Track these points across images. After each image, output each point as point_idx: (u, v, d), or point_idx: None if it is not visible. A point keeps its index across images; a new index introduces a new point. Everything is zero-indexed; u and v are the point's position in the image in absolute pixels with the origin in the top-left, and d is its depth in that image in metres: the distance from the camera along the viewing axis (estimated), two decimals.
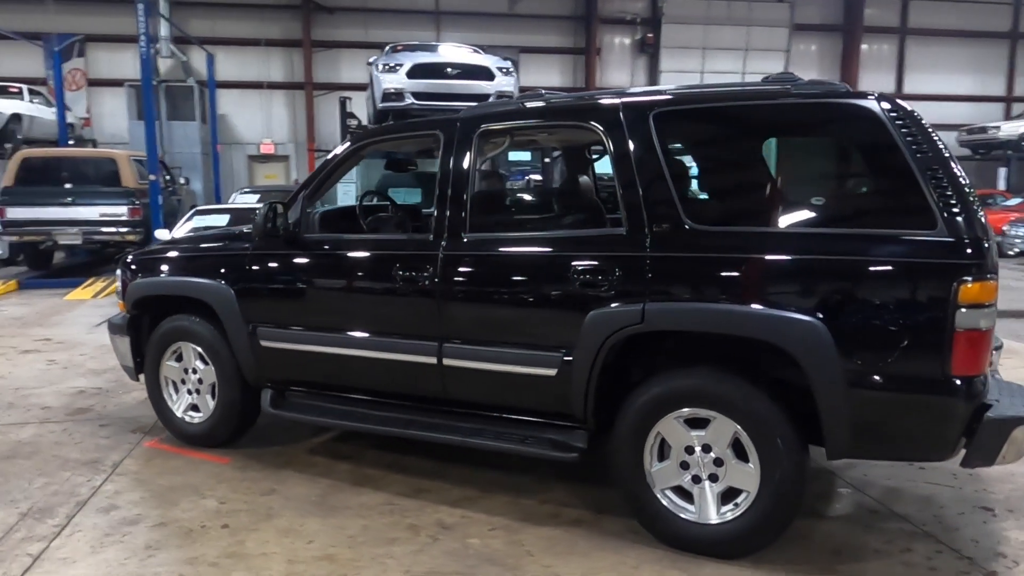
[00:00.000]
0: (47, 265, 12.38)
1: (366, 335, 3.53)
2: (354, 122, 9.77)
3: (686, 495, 2.97)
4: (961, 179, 2.57)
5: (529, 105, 3.40)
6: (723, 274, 2.79)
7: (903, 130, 2.60)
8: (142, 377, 4.36)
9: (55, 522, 3.30)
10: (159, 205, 11.17)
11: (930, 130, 2.66)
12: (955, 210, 2.51)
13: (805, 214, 2.83)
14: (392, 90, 8.80)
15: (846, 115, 2.74)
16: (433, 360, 3.35)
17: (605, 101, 3.14)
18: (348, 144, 3.75)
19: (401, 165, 4.32)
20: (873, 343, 2.58)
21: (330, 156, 3.79)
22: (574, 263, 3.02)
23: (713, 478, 2.90)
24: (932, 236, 2.52)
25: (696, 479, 2.93)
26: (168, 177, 13.84)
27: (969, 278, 2.47)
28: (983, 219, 2.56)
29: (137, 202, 11.28)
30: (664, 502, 2.98)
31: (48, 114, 15.69)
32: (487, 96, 8.68)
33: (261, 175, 21.08)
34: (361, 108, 12.31)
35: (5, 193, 11.16)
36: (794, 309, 2.65)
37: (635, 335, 2.94)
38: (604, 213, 3.44)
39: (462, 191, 3.33)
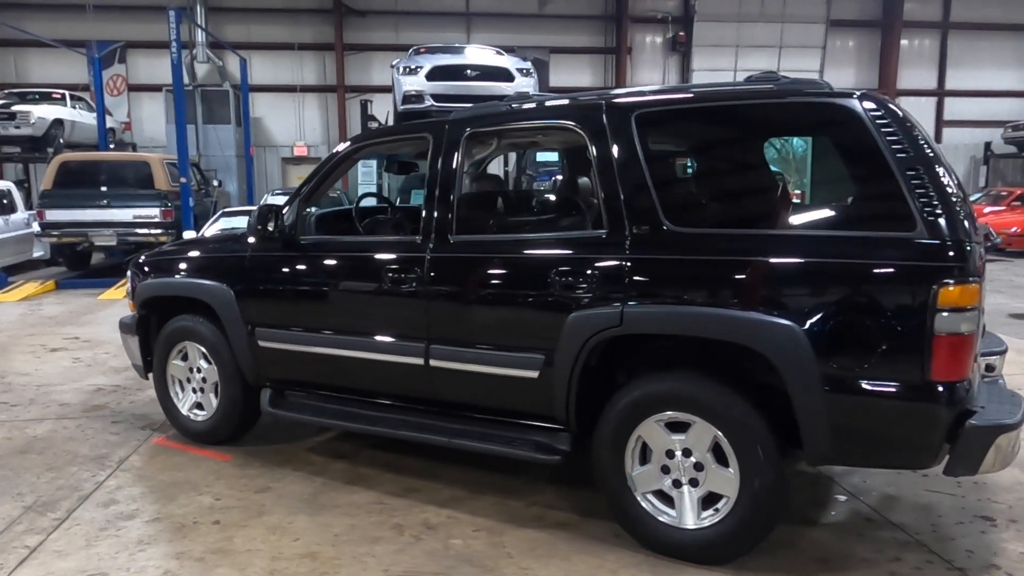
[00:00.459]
0: (85, 265, 12.76)
1: (357, 336, 3.57)
2: (374, 124, 9.87)
3: (667, 499, 2.94)
4: (945, 180, 2.50)
5: (516, 107, 3.40)
6: (700, 277, 2.76)
7: (885, 130, 2.54)
8: (152, 376, 4.48)
9: (56, 515, 3.40)
10: (190, 207, 11.43)
11: (916, 131, 2.60)
12: (936, 212, 2.44)
13: (783, 216, 2.78)
14: (412, 92, 8.87)
15: (827, 114, 2.69)
16: (421, 361, 3.37)
17: (589, 102, 3.13)
18: (342, 148, 3.80)
19: (402, 167, 4.36)
20: (851, 347, 2.53)
21: (325, 159, 3.84)
22: (556, 265, 3.02)
23: (693, 483, 2.87)
24: (911, 238, 2.46)
25: (677, 483, 2.90)
26: (201, 179, 14.17)
27: (949, 281, 2.41)
28: (967, 221, 2.49)
29: (169, 204, 11.54)
30: (645, 506, 2.96)
31: (89, 119, 16.16)
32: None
33: (294, 177, 21.39)
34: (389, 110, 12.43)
35: (44, 196, 11.53)
36: (771, 312, 2.60)
37: (617, 338, 2.93)
38: (587, 215, 3.43)
39: (449, 193, 3.35)
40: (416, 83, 8.94)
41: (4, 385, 5.67)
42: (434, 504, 3.47)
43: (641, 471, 2.96)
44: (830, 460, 2.67)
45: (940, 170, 2.53)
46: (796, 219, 2.75)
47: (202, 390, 4.26)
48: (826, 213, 2.73)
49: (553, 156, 12.66)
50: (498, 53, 10.74)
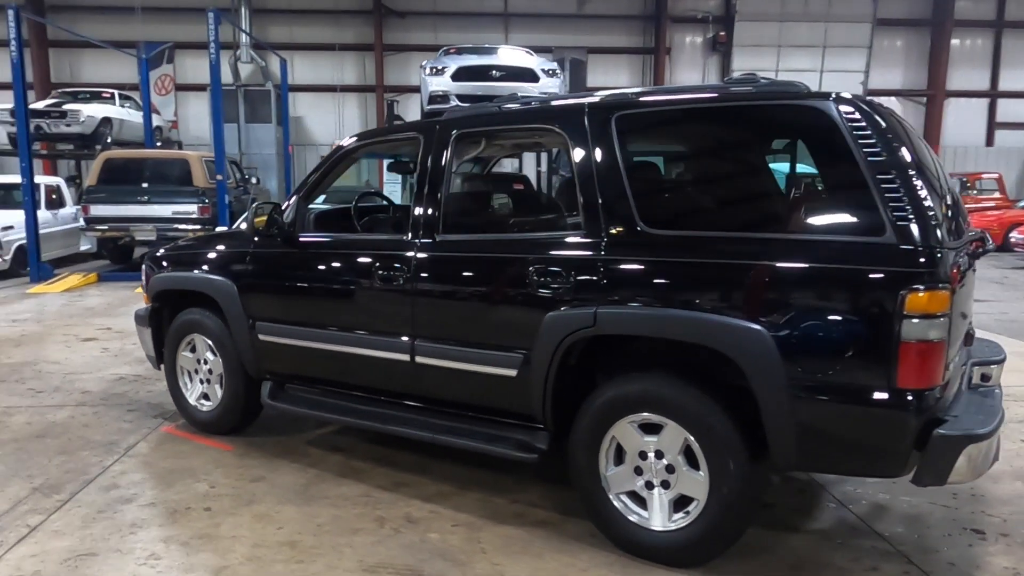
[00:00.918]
0: (127, 259, 13.20)
1: (349, 332, 3.65)
2: (400, 123, 10.01)
3: (640, 500, 2.95)
4: (920, 185, 2.45)
5: (504, 108, 3.44)
6: (672, 279, 2.76)
7: (859, 133, 2.50)
8: (163, 366, 4.64)
9: (60, 497, 3.56)
10: (226, 203, 11.74)
11: (897, 135, 2.55)
12: (906, 217, 2.40)
13: (754, 218, 2.76)
14: (438, 93, 8.98)
15: (800, 116, 2.66)
16: (407, 357, 3.44)
17: (571, 104, 3.15)
18: (341, 146, 3.89)
19: (403, 167, 4.44)
20: (818, 352, 2.50)
21: (325, 158, 3.94)
22: (535, 265, 3.05)
23: (665, 485, 2.87)
24: (879, 243, 2.42)
25: (649, 485, 2.91)
26: (240, 176, 14.53)
27: (919, 287, 2.36)
28: (942, 227, 2.44)
29: (207, 200, 11.87)
30: (618, 506, 2.97)
31: (137, 118, 16.71)
32: None
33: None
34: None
35: (88, 192, 11.96)
36: (739, 315, 2.59)
37: (594, 338, 2.95)
38: (569, 216, 3.45)
39: (437, 192, 3.40)
40: (442, 83, 9.03)
41: (34, 372, 5.93)
42: (419, 499, 3.53)
43: (615, 472, 2.97)
44: (798, 466, 2.65)
45: (917, 175, 2.48)
46: (767, 222, 2.72)
47: (208, 381, 4.40)
48: (797, 217, 2.70)
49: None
50: (528, 53, 10.77)
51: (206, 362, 4.37)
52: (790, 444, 2.57)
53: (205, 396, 4.43)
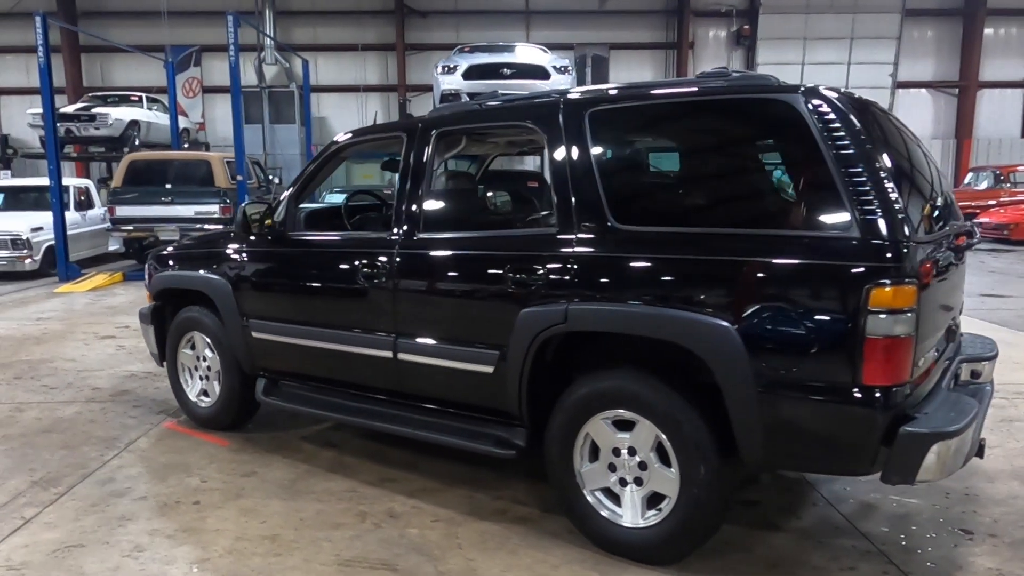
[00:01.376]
0: None
1: (335, 329, 3.70)
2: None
3: (614, 497, 2.94)
4: (888, 180, 2.40)
5: (485, 106, 3.45)
6: (641, 275, 2.75)
7: (827, 127, 2.46)
8: (166, 363, 4.74)
9: (57, 490, 3.66)
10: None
11: (868, 129, 2.51)
12: (872, 211, 2.36)
13: (723, 214, 2.73)
14: (449, 91, 9.01)
15: (768, 111, 2.63)
16: (389, 354, 3.47)
17: (547, 101, 3.15)
18: (328, 146, 3.93)
19: (394, 165, 4.45)
20: (784, 348, 2.47)
21: (314, 157, 3.98)
22: (509, 262, 3.05)
23: (638, 482, 2.86)
24: (845, 237, 2.38)
25: (623, 482, 2.90)
26: (264, 176, 14.74)
27: (885, 282, 2.32)
28: (909, 222, 2.39)
29: (228, 200, 12.08)
30: (593, 503, 2.97)
31: (165, 120, 17.07)
32: None
33: (359, 175, 21.95)
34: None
35: (114, 193, 12.24)
36: (705, 311, 2.57)
37: (569, 335, 2.95)
38: (542, 213, 3.45)
39: (418, 191, 3.43)
40: (453, 82, 9.08)
41: (50, 369, 6.10)
42: (404, 494, 3.57)
43: (590, 468, 2.97)
44: (766, 463, 2.62)
45: (887, 169, 2.44)
46: (735, 218, 2.69)
47: (207, 378, 4.48)
48: (763, 211, 2.67)
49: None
50: (542, 51, 10.75)
51: (205, 359, 4.46)
52: (757, 441, 2.55)
53: (204, 392, 4.52)
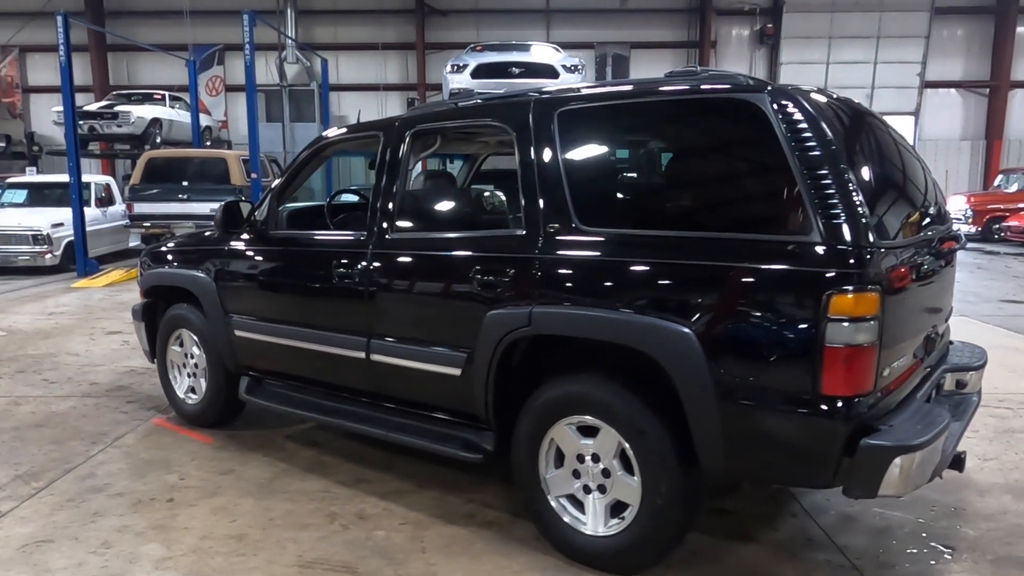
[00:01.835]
0: None
1: (312, 328, 3.69)
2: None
3: (579, 504, 2.89)
4: (852, 183, 2.31)
5: (460, 106, 3.42)
6: (603, 278, 2.69)
7: (792, 128, 2.38)
8: (156, 360, 4.77)
9: (38, 484, 3.70)
10: None
11: (838, 131, 2.43)
12: (835, 215, 2.28)
13: (685, 217, 2.66)
14: (457, 90, 8.98)
15: (733, 110, 2.55)
16: (362, 355, 3.45)
17: (517, 100, 3.10)
18: (310, 145, 3.92)
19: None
20: (743, 355, 2.40)
21: (296, 156, 3.98)
22: (477, 264, 3.01)
23: (602, 489, 2.80)
24: (805, 242, 2.30)
25: (587, 489, 2.85)
26: (280, 174, 14.86)
27: (848, 288, 2.24)
28: (874, 227, 2.30)
29: (243, 198, 12.16)
30: (557, 509, 2.91)
31: (187, 118, 17.28)
32: None
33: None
34: None
35: (133, 190, 12.43)
36: (666, 316, 2.51)
37: (536, 338, 2.90)
38: (510, 214, 3.39)
39: (392, 191, 3.40)
40: (462, 81, 9.06)
41: (53, 363, 6.18)
42: (376, 495, 3.54)
43: (555, 474, 2.92)
44: (728, 473, 2.54)
45: (855, 172, 2.35)
46: (694, 220, 2.61)
47: (195, 375, 4.50)
48: (726, 214, 2.59)
49: (624, 152, 12.55)
50: (555, 50, 10.70)
51: (192, 356, 4.48)
52: (717, 451, 2.47)
53: (192, 389, 4.54)
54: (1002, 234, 15.50)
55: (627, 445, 2.68)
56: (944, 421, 2.45)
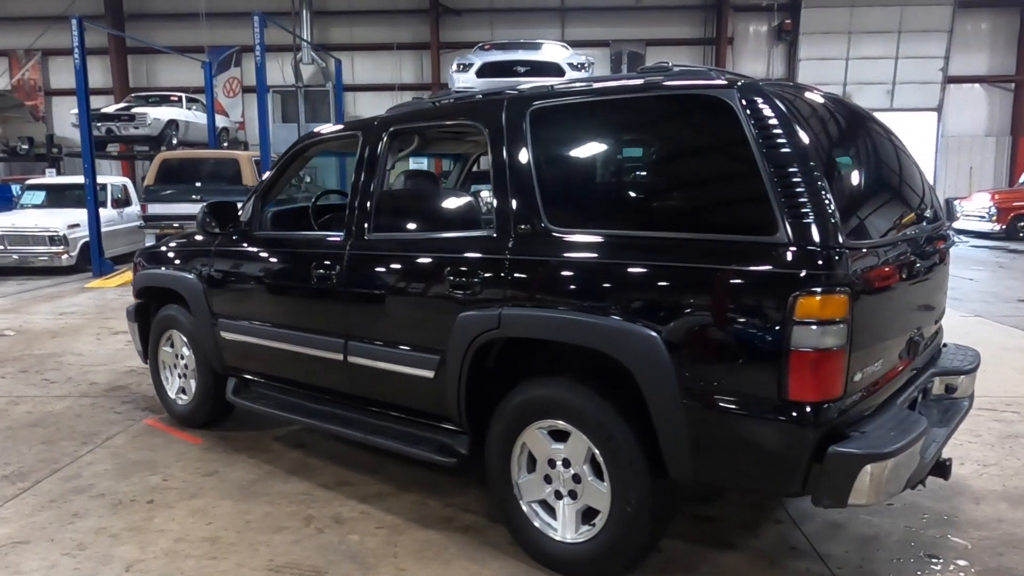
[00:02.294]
0: None
1: (293, 330, 3.67)
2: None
3: (551, 510, 2.83)
4: (823, 182, 2.23)
5: (438, 105, 3.37)
6: (569, 280, 2.63)
7: (761, 125, 2.30)
8: (148, 360, 4.78)
9: (23, 485, 3.71)
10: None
11: (810, 128, 2.35)
12: (803, 214, 2.20)
13: (653, 217, 2.58)
14: (463, 90, 8.94)
15: (703, 107, 2.47)
16: (340, 357, 3.42)
17: (491, 99, 3.05)
18: (293, 146, 3.91)
19: None
20: (710, 359, 2.34)
21: (280, 156, 3.96)
22: (450, 265, 2.97)
23: (572, 495, 2.75)
24: (771, 242, 2.23)
25: (558, 494, 2.79)
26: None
27: (816, 290, 2.16)
28: (844, 227, 2.22)
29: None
30: (529, 514, 2.86)
31: (203, 120, 17.43)
32: None
33: (393, 173, 22.09)
34: None
35: (147, 191, 12.55)
36: (632, 318, 2.44)
37: (509, 340, 2.85)
38: (483, 215, 3.34)
39: (369, 191, 3.36)
40: (467, 80, 9.02)
41: (56, 363, 6.24)
42: (356, 498, 3.51)
43: (527, 479, 2.87)
44: (696, 479, 2.46)
45: (826, 171, 2.27)
46: (663, 220, 2.54)
47: (185, 376, 4.51)
48: (694, 214, 2.51)
49: (637, 151, 12.46)
50: (564, 48, 10.63)
51: (182, 357, 4.48)
52: (684, 456, 2.41)
53: (182, 390, 4.55)
54: None
55: (597, 451, 2.62)
56: (921, 427, 2.35)
